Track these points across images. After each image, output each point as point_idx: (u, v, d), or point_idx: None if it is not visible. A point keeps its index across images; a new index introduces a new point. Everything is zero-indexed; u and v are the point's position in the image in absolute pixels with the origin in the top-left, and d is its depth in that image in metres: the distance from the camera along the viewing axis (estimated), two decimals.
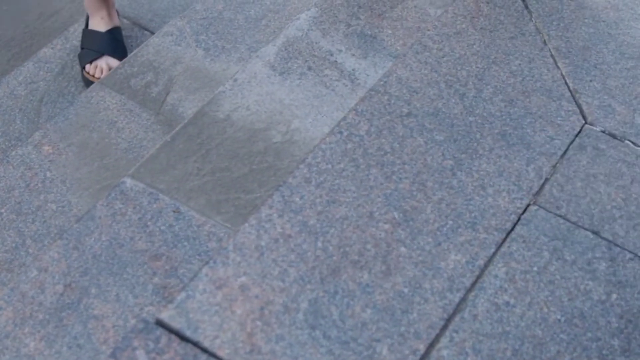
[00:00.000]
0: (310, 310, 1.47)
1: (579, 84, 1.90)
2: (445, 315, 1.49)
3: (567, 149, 1.76)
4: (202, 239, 1.72)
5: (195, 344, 1.42)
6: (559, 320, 1.49)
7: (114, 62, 2.39)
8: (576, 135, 1.79)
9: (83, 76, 2.36)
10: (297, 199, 1.63)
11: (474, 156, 1.72)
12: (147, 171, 1.83)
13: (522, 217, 1.63)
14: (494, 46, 1.95)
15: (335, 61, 2.09)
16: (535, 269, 1.56)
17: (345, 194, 1.64)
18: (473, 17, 2.02)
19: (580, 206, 1.66)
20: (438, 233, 1.59)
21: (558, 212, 1.65)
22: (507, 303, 1.51)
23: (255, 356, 1.41)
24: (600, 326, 1.49)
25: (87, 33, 2.46)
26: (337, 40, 2.14)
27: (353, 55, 2.10)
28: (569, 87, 1.88)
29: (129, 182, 1.81)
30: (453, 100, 1.83)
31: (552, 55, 1.95)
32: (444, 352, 1.44)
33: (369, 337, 1.45)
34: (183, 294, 1.48)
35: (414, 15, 2.19)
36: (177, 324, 1.44)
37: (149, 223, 1.74)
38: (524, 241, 1.60)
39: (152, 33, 2.47)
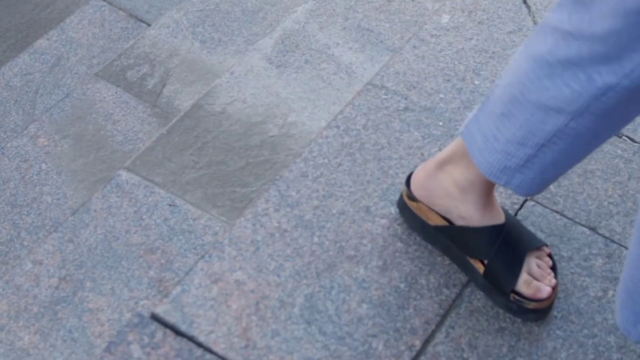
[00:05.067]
0: (306, 305, 1.47)
1: None
2: (442, 311, 1.48)
3: None
4: (198, 233, 1.71)
5: (191, 339, 1.41)
6: (555, 316, 1.49)
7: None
8: None
9: (508, 306, 1.49)
10: (294, 193, 1.62)
11: None
12: (143, 164, 1.82)
13: (519, 212, 1.63)
14: (491, 40, 1.95)
15: (332, 54, 2.08)
16: None
17: (341, 189, 1.64)
18: (471, 11, 2.02)
19: (577, 202, 1.66)
20: None
21: (555, 207, 1.64)
22: None
23: (251, 351, 1.41)
24: (596, 322, 1.49)
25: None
26: (334, 33, 2.13)
27: (350, 48, 2.09)
28: None
29: (124, 175, 1.80)
30: (450, 95, 1.82)
31: None
32: (440, 348, 1.44)
33: (365, 332, 1.44)
34: (178, 288, 1.48)
35: (412, 9, 2.18)
36: (172, 318, 1.43)
37: (144, 216, 1.73)
38: None
39: (149, 25, 2.46)
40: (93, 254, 1.68)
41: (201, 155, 1.84)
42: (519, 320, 1.48)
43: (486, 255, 1.46)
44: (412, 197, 1.53)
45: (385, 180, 1.65)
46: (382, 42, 2.11)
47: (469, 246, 1.48)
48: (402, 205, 1.57)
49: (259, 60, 2.04)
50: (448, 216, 1.48)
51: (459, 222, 1.47)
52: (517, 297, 1.44)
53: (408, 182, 1.54)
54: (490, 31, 1.97)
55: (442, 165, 1.45)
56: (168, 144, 1.85)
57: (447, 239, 1.51)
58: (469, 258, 1.49)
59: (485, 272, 1.46)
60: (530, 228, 1.60)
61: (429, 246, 1.55)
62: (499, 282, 1.45)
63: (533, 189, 1.32)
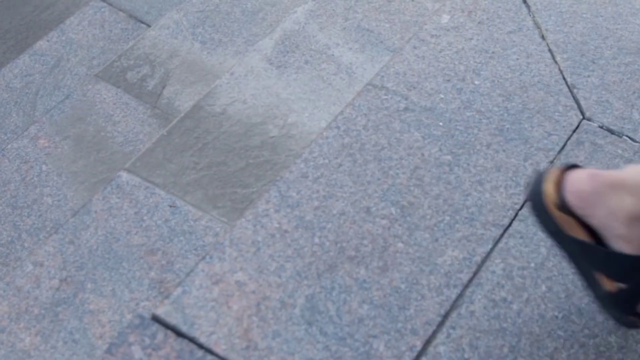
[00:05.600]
0: (306, 306, 1.47)
1: (577, 79, 1.89)
2: (442, 312, 1.48)
3: (564, 145, 1.76)
4: (199, 234, 1.71)
5: (192, 340, 1.41)
6: (556, 316, 1.49)
7: None
8: (574, 131, 1.79)
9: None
10: (294, 194, 1.62)
11: (472, 151, 1.72)
12: (143, 165, 1.82)
13: (520, 212, 1.63)
14: (491, 40, 1.95)
15: (332, 55, 2.08)
16: (532, 265, 1.56)
17: (342, 189, 1.64)
18: (471, 11, 2.01)
19: None
20: (435, 229, 1.59)
21: None
22: (504, 299, 1.50)
23: (252, 352, 1.41)
24: (597, 323, 1.49)
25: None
26: (334, 34, 2.13)
27: (350, 49, 2.09)
28: (566, 82, 1.88)
29: (125, 176, 1.80)
30: (450, 95, 1.82)
31: (550, 50, 1.94)
32: (441, 349, 1.44)
33: (366, 333, 1.44)
34: (179, 289, 1.48)
35: (412, 9, 2.18)
36: (173, 319, 1.43)
37: (145, 217, 1.73)
38: (521, 237, 1.60)
39: (149, 26, 2.46)
40: (94, 255, 1.68)
41: (201, 156, 1.84)
42: (519, 320, 1.48)
43: (626, 281, 1.34)
44: (562, 208, 1.34)
45: (385, 180, 1.65)
46: (382, 42, 2.11)
47: (608, 267, 1.34)
48: (539, 207, 1.36)
49: (259, 61, 2.04)
50: (602, 232, 1.32)
51: (614, 242, 1.31)
52: (634, 319, 1.40)
53: (557, 187, 1.35)
54: (490, 31, 1.97)
55: (616, 187, 1.29)
56: (168, 145, 1.85)
57: (580, 251, 1.36)
58: (594, 272, 1.36)
59: (617, 293, 1.35)
60: (531, 228, 1.60)
61: (430, 246, 1.55)
62: (628, 305, 1.38)
63: None
